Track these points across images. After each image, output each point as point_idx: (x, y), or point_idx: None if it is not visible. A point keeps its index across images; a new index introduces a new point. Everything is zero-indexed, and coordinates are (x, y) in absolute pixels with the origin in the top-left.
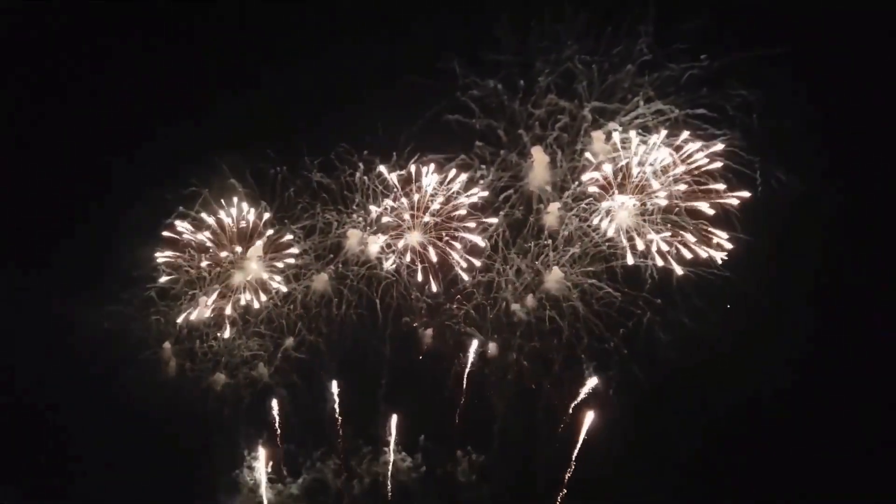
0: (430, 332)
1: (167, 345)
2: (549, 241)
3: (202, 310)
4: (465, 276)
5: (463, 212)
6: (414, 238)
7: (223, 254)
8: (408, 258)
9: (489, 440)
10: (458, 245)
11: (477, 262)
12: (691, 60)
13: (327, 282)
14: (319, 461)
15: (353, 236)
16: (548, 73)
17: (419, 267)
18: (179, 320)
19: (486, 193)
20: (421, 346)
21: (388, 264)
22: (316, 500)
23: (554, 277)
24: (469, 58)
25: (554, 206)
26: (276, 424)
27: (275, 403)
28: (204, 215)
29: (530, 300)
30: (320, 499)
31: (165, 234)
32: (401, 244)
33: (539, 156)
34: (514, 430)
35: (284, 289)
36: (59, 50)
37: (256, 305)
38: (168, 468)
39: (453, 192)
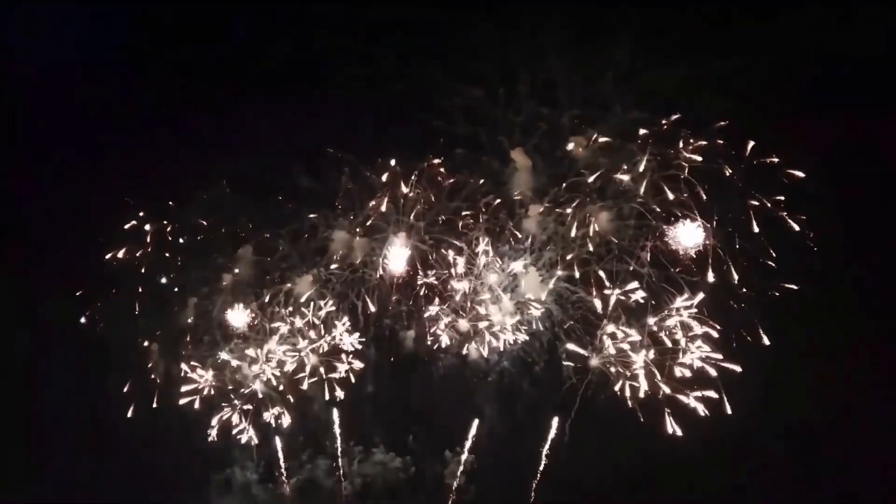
0: (411, 333)
1: (154, 346)
2: (528, 244)
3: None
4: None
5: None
6: (398, 241)
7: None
8: (391, 261)
9: (477, 441)
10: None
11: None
12: (668, 69)
13: (311, 283)
14: (310, 462)
15: (338, 238)
16: (528, 81)
17: (402, 270)
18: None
19: None
20: (402, 347)
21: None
22: (308, 501)
23: (530, 281)
24: (450, 67)
25: (535, 210)
26: (266, 425)
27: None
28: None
29: (506, 302)
30: (312, 499)
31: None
32: (385, 247)
33: (520, 159)
34: (500, 431)
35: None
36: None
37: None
38: (160, 468)
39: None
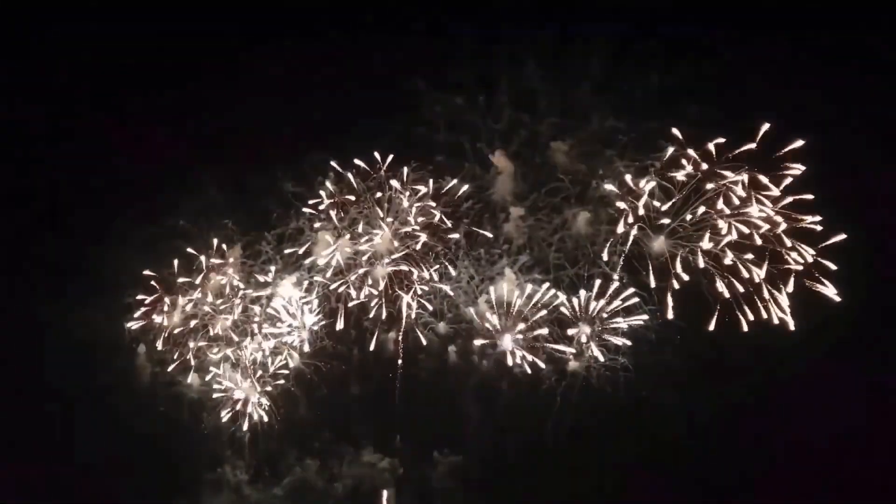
0: (392, 335)
1: (142, 349)
2: (505, 247)
3: (177, 315)
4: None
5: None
6: (383, 245)
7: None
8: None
9: (464, 441)
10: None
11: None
12: (643, 79)
13: (294, 286)
14: (299, 464)
15: (323, 241)
16: (508, 90)
17: (385, 274)
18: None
19: None
20: (385, 349)
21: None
22: (300, 501)
23: (506, 284)
24: (433, 75)
25: (516, 213)
26: (257, 426)
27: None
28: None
29: (483, 304)
30: (304, 499)
31: None
32: (370, 251)
33: (502, 162)
34: (485, 431)
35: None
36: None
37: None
38: (150, 468)
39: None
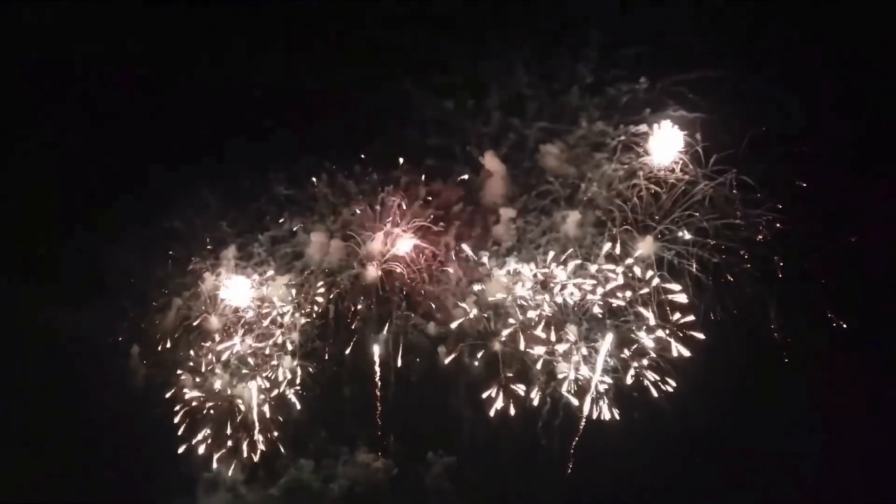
0: (383, 336)
1: (135, 349)
2: (495, 249)
3: (170, 317)
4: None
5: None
6: (375, 247)
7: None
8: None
9: (459, 442)
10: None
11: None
12: (632, 83)
13: (285, 287)
14: (295, 465)
15: (315, 244)
16: (497, 94)
17: (376, 276)
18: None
19: None
20: (377, 351)
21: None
22: (296, 501)
23: (493, 286)
24: (423, 79)
25: (506, 215)
26: (251, 427)
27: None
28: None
29: (470, 306)
30: (300, 499)
31: None
32: (361, 252)
33: (492, 163)
34: (479, 432)
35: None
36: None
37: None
38: (146, 467)
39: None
